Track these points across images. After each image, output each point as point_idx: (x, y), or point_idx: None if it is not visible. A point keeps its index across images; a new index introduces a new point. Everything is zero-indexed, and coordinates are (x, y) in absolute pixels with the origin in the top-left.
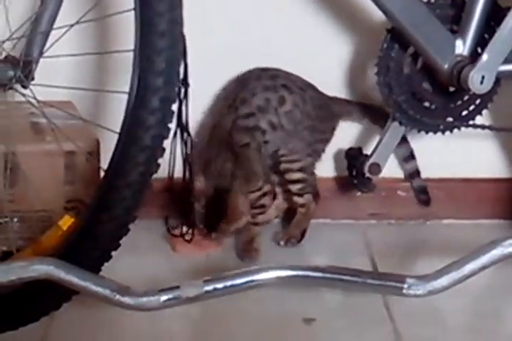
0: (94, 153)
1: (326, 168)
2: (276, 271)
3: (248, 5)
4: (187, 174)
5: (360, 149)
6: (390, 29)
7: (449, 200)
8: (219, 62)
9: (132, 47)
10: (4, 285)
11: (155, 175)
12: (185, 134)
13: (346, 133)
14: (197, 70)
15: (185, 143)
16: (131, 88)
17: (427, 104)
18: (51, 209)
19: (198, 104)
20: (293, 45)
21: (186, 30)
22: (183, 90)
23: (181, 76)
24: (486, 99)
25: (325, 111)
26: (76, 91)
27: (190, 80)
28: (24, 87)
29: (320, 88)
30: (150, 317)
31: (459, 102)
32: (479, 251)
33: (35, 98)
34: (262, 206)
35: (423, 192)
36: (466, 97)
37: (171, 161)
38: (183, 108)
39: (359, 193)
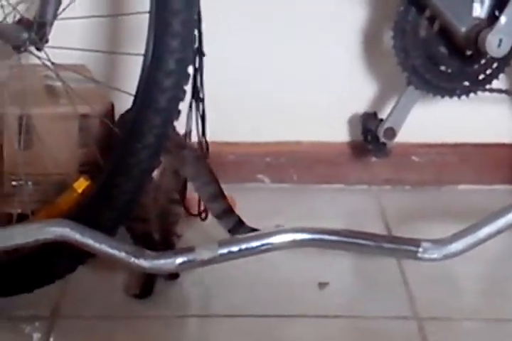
0: (109, 116)
1: (340, 133)
2: (291, 234)
3: None
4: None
5: (375, 114)
6: None
7: (464, 165)
8: None
9: (147, 9)
10: (20, 247)
11: None
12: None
13: (361, 98)
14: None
15: (202, 114)
16: (146, 50)
17: (443, 67)
18: (66, 172)
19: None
20: (301, 7)
21: None
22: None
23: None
24: (503, 62)
25: None
26: (90, 54)
27: None
28: (38, 49)
29: (332, 53)
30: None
31: (476, 66)
32: (495, 214)
33: (49, 60)
34: None
35: None
36: (483, 61)
37: (187, 131)
38: (198, 78)
39: (374, 158)
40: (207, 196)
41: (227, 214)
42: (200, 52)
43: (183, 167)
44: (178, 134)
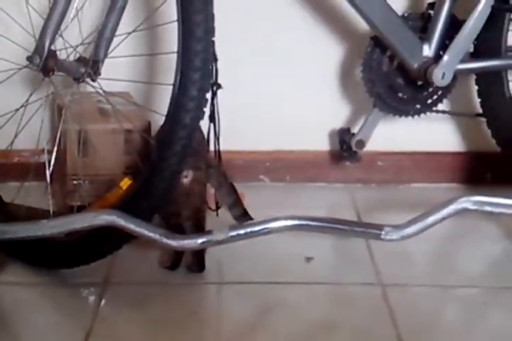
0: (147, 131)
1: (322, 143)
2: (285, 220)
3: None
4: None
5: (348, 129)
6: (373, 37)
7: (416, 169)
8: None
9: (176, 49)
10: (79, 230)
11: None
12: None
13: (338, 117)
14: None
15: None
16: (175, 81)
17: (400, 94)
18: (114, 173)
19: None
20: (294, 48)
21: None
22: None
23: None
24: (446, 90)
25: None
26: (132, 83)
27: None
28: (93, 80)
29: (316, 82)
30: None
31: (425, 93)
32: (440, 206)
33: (101, 89)
34: None
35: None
36: (430, 89)
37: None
38: (215, 105)
39: (348, 163)
40: (228, 203)
41: (243, 216)
42: (217, 84)
43: (210, 180)
44: (207, 155)
